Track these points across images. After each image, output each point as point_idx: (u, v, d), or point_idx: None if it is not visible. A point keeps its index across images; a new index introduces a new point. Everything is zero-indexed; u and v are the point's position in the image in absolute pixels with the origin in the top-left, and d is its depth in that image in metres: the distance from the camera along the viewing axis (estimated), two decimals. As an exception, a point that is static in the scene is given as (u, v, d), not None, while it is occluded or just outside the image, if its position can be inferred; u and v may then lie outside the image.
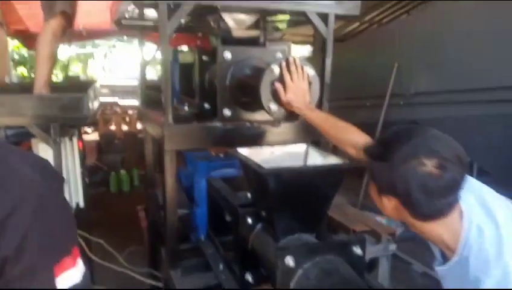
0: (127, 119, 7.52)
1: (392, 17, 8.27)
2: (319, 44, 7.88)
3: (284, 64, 1.51)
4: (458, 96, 3.67)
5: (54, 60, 2.23)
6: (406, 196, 0.93)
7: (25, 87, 2.52)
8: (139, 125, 7.35)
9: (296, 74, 1.50)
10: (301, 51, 12.65)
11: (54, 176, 0.72)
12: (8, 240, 0.60)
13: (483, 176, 4.83)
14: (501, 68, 3.25)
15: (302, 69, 1.51)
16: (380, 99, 4.37)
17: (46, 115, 1.92)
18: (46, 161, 0.81)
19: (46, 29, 2.12)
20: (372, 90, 4.55)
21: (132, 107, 8.42)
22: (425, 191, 0.90)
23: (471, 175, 1.02)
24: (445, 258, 1.03)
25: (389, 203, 0.99)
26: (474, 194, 1.02)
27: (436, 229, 0.97)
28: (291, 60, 1.51)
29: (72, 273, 0.68)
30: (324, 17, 1.98)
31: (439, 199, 0.92)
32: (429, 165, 0.90)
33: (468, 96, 3.59)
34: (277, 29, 2.75)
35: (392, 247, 2.56)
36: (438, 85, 3.78)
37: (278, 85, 1.49)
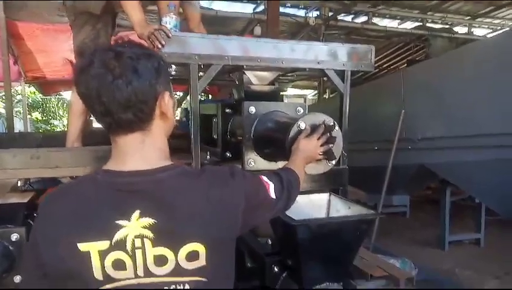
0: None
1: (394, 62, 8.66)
2: (322, 89, 8.14)
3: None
4: (463, 142, 3.79)
5: (86, 114, 2.34)
6: None
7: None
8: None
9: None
10: (304, 93, 13.02)
11: None
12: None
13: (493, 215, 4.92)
14: (504, 114, 3.37)
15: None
16: (388, 144, 4.49)
17: (80, 168, 2.00)
18: None
19: None
20: (379, 135, 4.70)
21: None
22: None
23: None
24: None
25: None
26: None
27: None
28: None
29: None
30: (341, 73, 2.13)
31: None
32: None
33: (473, 141, 3.71)
34: (291, 81, 2.91)
35: (411, 292, 2.57)
36: (444, 131, 3.92)
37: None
